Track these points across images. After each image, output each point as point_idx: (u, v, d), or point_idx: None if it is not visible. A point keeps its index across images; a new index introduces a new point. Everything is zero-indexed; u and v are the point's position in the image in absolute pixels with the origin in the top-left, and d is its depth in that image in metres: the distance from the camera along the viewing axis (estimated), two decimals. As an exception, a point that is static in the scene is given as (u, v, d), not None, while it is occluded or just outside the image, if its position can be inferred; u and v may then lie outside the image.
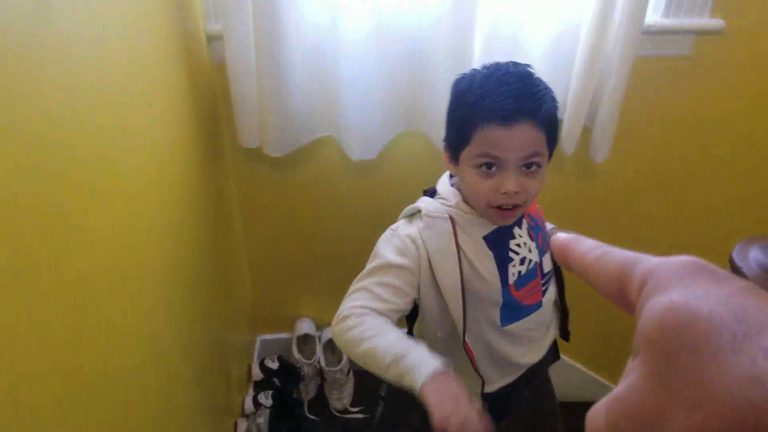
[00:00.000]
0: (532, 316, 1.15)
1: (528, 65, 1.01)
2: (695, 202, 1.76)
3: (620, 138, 1.54)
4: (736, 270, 0.90)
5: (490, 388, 1.21)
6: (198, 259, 1.38)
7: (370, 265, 1.09)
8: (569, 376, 2.16)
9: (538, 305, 1.15)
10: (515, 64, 1.00)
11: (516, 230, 1.10)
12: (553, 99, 1.00)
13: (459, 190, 1.09)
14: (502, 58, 1.40)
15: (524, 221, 1.11)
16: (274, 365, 1.95)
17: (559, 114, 1.52)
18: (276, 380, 1.95)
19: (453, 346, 1.13)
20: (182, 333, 1.27)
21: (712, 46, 1.50)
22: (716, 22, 1.45)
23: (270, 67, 1.37)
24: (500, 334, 1.14)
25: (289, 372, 1.96)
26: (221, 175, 1.62)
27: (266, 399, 1.86)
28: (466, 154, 1.00)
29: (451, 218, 1.06)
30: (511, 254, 1.09)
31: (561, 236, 0.32)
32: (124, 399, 0.94)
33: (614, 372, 2.19)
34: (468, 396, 0.89)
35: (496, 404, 1.24)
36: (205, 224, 1.44)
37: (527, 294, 1.13)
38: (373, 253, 1.11)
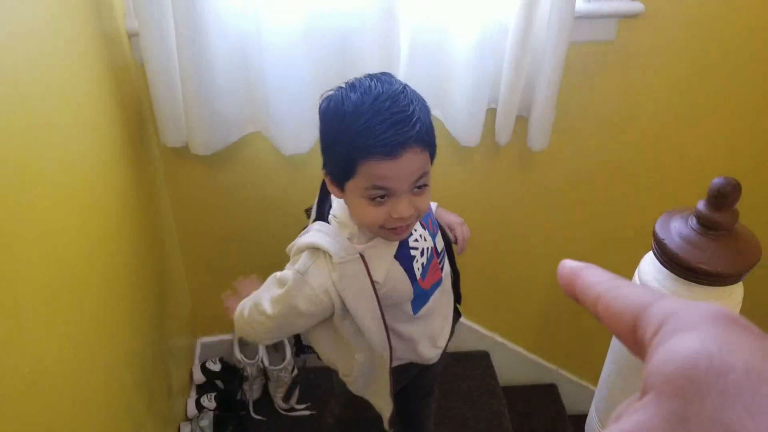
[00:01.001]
0: (436, 293, 1.20)
1: (389, 77, 0.98)
2: (623, 184, 1.81)
3: (555, 126, 1.56)
4: (659, 242, 0.92)
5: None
6: (130, 264, 1.35)
7: (276, 294, 1.09)
8: (511, 361, 2.19)
9: (439, 281, 1.20)
10: (380, 80, 0.96)
11: None
12: (423, 103, 0.99)
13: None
14: (431, 49, 1.43)
15: None
16: (215, 367, 1.92)
17: (491, 104, 1.55)
18: (218, 382, 1.92)
19: (373, 369, 1.19)
20: (117, 341, 1.24)
21: (635, 29, 1.53)
22: (636, 6, 1.49)
23: (192, 65, 1.33)
24: (414, 320, 1.18)
25: (231, 373, 1.93)
26: (151, 176, 1.58)
27: (209, 401, 1.83)
28: (352, 185, 0.98)
29: (361, 255, 1.04)
30: (413, 252, 1.11)
31: (568, 264, 0.31)
32: (57, 410, 0.91)
33: (555, 355, 2.24)
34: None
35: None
36: (135, 228, 1.40)
37: (430, 277, 1.17)
38: (280, 287, 1.09)
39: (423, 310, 1.18)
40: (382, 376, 1.19)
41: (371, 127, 0.91)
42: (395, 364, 1.21)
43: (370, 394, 1.29)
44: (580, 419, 2.10)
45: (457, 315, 1.38)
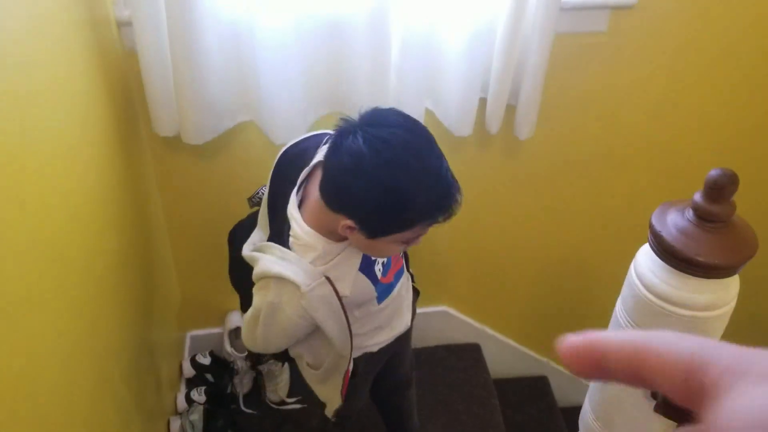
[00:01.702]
0: (398, 284, 1.26)
1: (414, 124, 1.03)
2: (616, 176, 1.81)
3: (544, 115, 1.56)
4: (655, 234, 0.92)
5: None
6: (118, 256, 1.33)
7: (255, 328, 1.14)
8: (502, 353, 2.19)
9: (402, 268, 1.27)
10: (411, 131, 1.00)
11: None
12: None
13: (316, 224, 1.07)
14: (423, 41, 1.41)
15: None
16: (205, 361, 1.91)
17: (482, 93, 1.54)
18: (209, 376, 1.90)
19: (336, 365, 1.24)
20: (105, 333, 1.22)
21: (627, 21, 1.53)
22: (629, -4, 1.48)
23: (184, 54, 1.32)
24: (379, 310, 1.23)
25: (221, 367, 1.91)
26: (140, 167, 1.55)
27: (199, 395, 1.81)
28: (395, 236, 1.02)
29: (327, 277, 1.06)
30: (373, 257, 1.15)
31: (571, 338, 0.27)
32: (44, 403, 0.89)
33: (546, 347, 2.24)
34: None
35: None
36: (124, 220, 1.39)
37: (392, 272, 1.23)
38: (258, 319, 1.12)
39: (387, 300, 1.23)
40: (340, 372, 1.23)
41: (434, 197, 0.99)
42: (376, 348, 1.28)
43: (325, 387, 1.33)
44: (571, 411, 2.10)
45: (416, 292, 1.43)
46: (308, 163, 1.11)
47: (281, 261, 1.05)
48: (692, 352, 0.23)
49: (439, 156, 1.00)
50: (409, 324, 1.36)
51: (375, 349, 1.30)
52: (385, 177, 0.95)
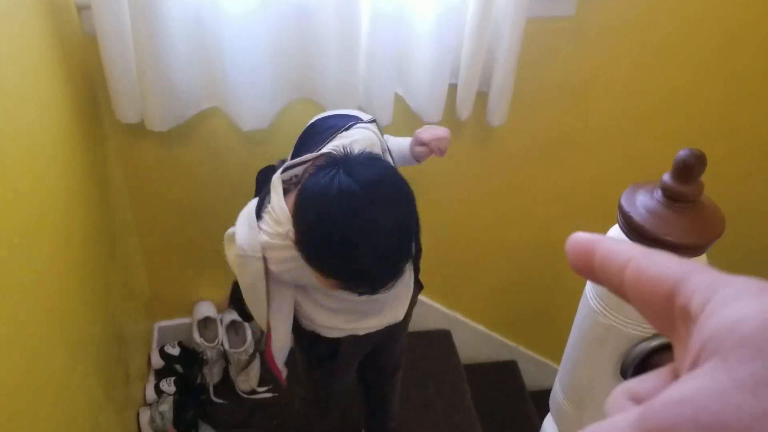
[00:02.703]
0: None
1: (399, 191, 1.01)
2: (586, 160, 1.82)
3: (516, 101, 1.56)
4: (625, 214, 0.92)
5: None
6: (84, 247, 1.30)
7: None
8: (473, 339, 2.20)
9: None
10: (385, 203, 0.98)
11: None
12: (416, 219, 1.03)
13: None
14: (392, 23, 1.40)
15: None
16: (174, 351, 1.88)
17: (453, 79, 1.53)
18: (178, 366, 1.88)
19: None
20: (72, 324, 1.20)
21: (594, 5, 1.54)
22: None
23: (146, 38, 1.28)
24: (366, 300, 1.22)
25: (191, 357, 1.89)
26: (103, 155, 1.52)
27: (168, 386, 1.79)
28: (316, 272, 1.02)
29: (264, 257, 1.07)
30: None
31: (583, 234, 0.28)
32: (11, 395, 0.87)
33: (515, 332, 2.26)
34: None
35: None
36: (88, 209, 1.36)
37: None
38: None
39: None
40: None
41: (374, 280, 0.99)
42: (363, 332, 1.29)
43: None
44: (540, 395, 2.13)
45: (418, 287, 1.42)
46: (326, 141, 1.12)
47: (242, 219, 1.09)
48: (675, 272, 0.24)
49: (407, 229, 1.00)
50: (401, 317, 1.35)
51: (361, 333, 1.30)
52: (340, 220, 0.95)
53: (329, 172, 0.96)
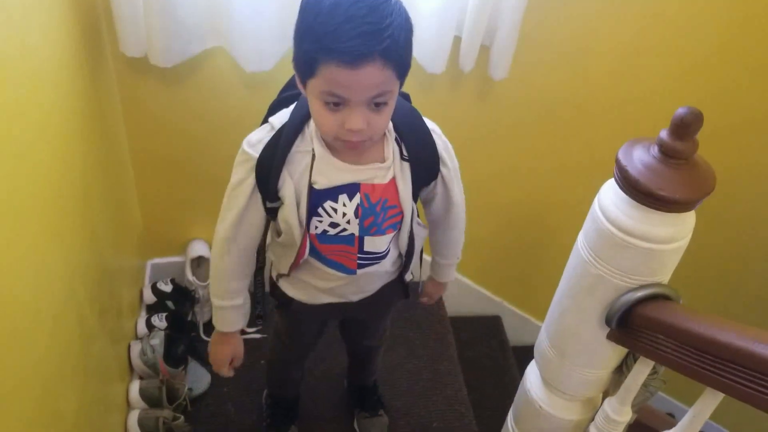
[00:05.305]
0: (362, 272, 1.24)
1: None
2: (584, 119, 1.84)
3: (518, 56, 1.57)
4: (621, 168, 0.95)
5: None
6: (83, 176, 1.31)
7: None
8: (459, 292, 2.25)
9: (349, 271, 1.23)
10: None
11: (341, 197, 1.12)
12: (406, 25, 0.96)
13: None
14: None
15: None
16: (167, 288, 1.91)
17: (457, 32, 1.54)
18: (169, 303, 1.90)
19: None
20: (69, 250, 1.21)
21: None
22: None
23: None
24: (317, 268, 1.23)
25: (182, 294, 1.92)
26: (105, 88, 1.52)
27: (160, 321, 1.82)
28: (311, 85, 0.97)
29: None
30: (327, 206, 1.11)
31: None
32: (15, 316, 0.90)
33: (501, 288, 2.31)
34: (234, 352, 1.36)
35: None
36: (88, 140, 1.36)
37: (336, 255, 1.20)
38: None
39: (329, 268, 1.22)
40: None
41: (339, 32, 0.89)
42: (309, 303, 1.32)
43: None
44: (522, 350, 2.18)
45: (402, 295, 1.40)
46: None
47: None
48: None
49: (385, 6, 0.91)
50: (352, 299, 1.32)
51: (306, 301, 1.32)
52: (313, 2, 0.92)
53: None
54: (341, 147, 1.04)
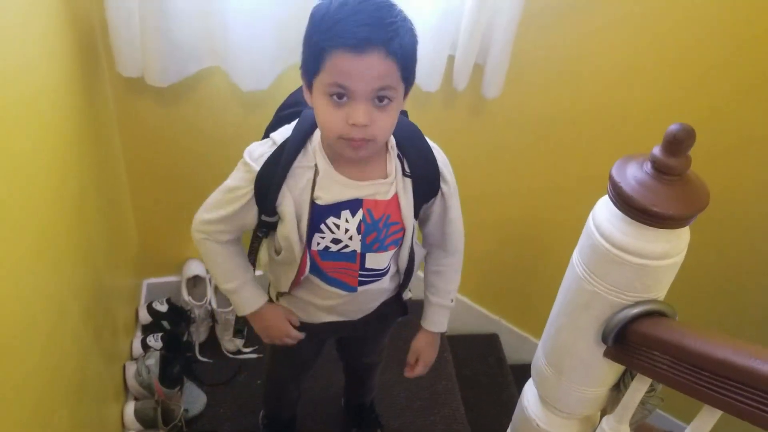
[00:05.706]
0: (362, 289, 1.24)
1: None
2: (577, 135, 1.85)
3: (511, 75, 1.58)
4: (615, 185, 0.95)
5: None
6: (78, 197, 1.31)
7: None
8: (456, 310, 2.22)
9: (350, 288, 1.23)
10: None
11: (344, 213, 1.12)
12: (412, 32, 0.99)
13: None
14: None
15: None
16: (162, 308, 1.90)
17: (451, 50, 1.55)
18: (165, 323, 1.90)
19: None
20: (63, 269, 1.21)
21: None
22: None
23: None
24: (318, 287, 1.23)
25: (178, 314, 1.91)
26: (101, 107, 1.52)
27: (155, 341, 1.81)
28: (318, 81, 0.98)
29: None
30: (330, 222, 1.11)
31: None
32: (7, 337, 0.89)
33: (498, 306, 2.30)
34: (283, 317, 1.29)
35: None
36: (83, 160, 1.36)
37: (338, 273, 1.20)
38: None
39: (328, 286, 1.22)
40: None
41: (346, 22, 0.92)
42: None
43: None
44: (520, 368, 2.17)
45: (401, 311, 1.42)
46: None
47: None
48: None
49: (392, 8, 0.95)
50: (354, 318, 1.33)
51: (305, 320, 1.32)
52: (323, 5, 0.96)
53: None
54: (345, 148, 1.02)
